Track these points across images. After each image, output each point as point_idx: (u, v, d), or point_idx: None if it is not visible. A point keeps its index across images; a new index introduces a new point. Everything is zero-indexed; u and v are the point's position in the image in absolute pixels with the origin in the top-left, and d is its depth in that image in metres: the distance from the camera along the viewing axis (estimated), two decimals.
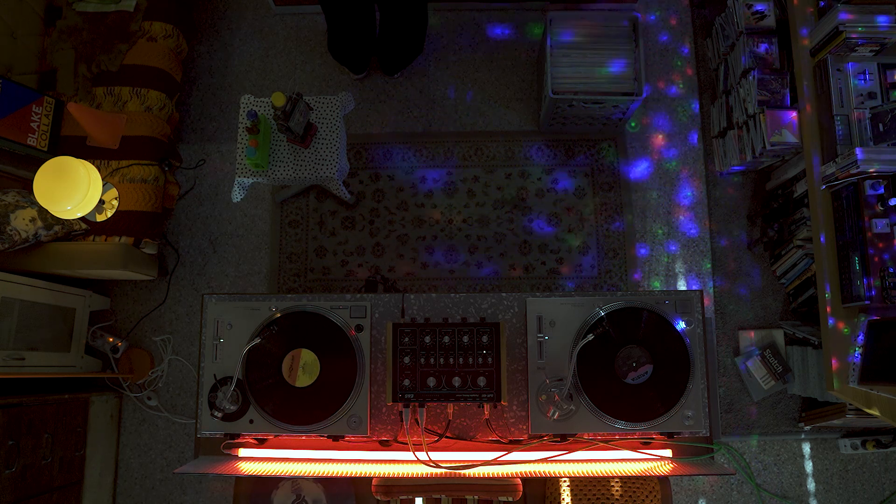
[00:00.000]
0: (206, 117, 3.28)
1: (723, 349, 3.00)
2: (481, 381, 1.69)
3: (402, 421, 1.76)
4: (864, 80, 2.42)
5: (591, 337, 1.74)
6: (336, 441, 1.79)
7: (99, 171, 2.59)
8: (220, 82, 3.32)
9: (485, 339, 1.70)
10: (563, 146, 3.20)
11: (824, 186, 2.40)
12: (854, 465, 2.96)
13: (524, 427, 1.81)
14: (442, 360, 1.70)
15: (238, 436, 1.81)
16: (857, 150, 2.20)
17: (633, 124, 3.22)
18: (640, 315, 1.81)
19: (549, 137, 3.21)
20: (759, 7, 2.78)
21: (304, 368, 1.78)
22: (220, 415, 1.77)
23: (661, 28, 3.32)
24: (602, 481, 2.02)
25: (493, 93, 3.27)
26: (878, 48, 2.38)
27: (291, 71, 3.32)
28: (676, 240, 3.13)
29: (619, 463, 1.73)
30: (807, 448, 2.96)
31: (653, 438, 1.79)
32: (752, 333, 2.98)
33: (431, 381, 1.69)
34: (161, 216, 2.87)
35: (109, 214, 2.69)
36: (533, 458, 1.74)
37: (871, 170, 2.22)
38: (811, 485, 2.94)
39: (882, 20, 2.32)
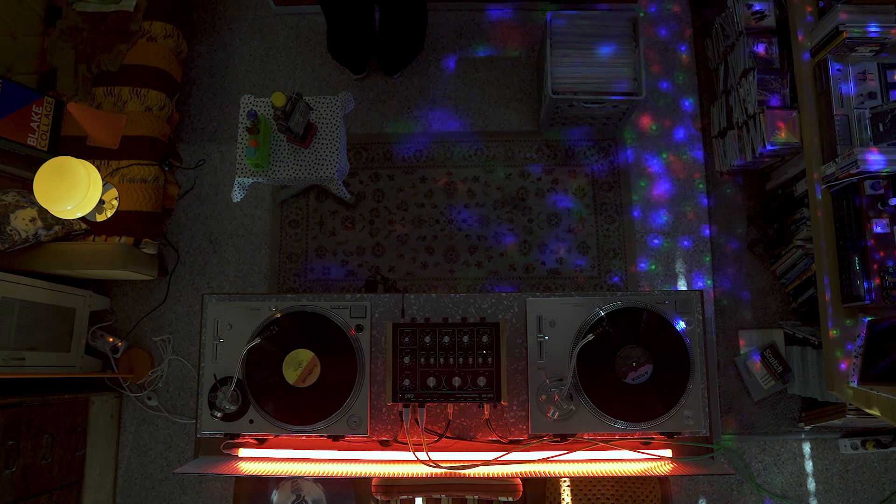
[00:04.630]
0: (206, 117, 3.28)
1: (723, 349, 3.00)
2: (481, 381, 1.69)
3: (402, 421, 1.76)
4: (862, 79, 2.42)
5: (591, 337, 1.74)
6: (336, 441, 1.79)
7: (99, 171, 2.59)
8: (220, 82, 3.32)
9: (485, 339, 1.70)
10: (563, 146, 3.20)
11: (824, 186, 2.40)
12: (854, 465, 2.96)
13: (524, 427, 1.81)
14: (442, 360, 1.70)
15: (238, 436, 1.81)
16: (857, 150, 2.20)
17: (636, 126, 3.23)
18: (640, 315, 1.81)
19: (550, 137, 3.21)
20: (759, 7, 2.78)
21: (303, 368, 1.78)
22: (220, 415, 1.77)
23: (661, 28, 3.32)
24: (602, 481, 2.02)
25: (493, 93, 3.27)
26: (878, 48, 2.38)
27: (291, 71, 3.32)
28: (676, 240, 3.13)
29: (619, 463, 1.73)
30: (807, 448, 2.96)
31: (653, 438, 1.79)
32: (752, 333, 2.98)
33: (431, 381, 1.69)
34: (161, 216, 2.87)
35: (109, 214, 2.69)
36: (533, 458, 1.74)
37: (871, 169, 2.22)
38: (811, 485, 2.94)
39: (881, 21, 2.32)
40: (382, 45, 2.99)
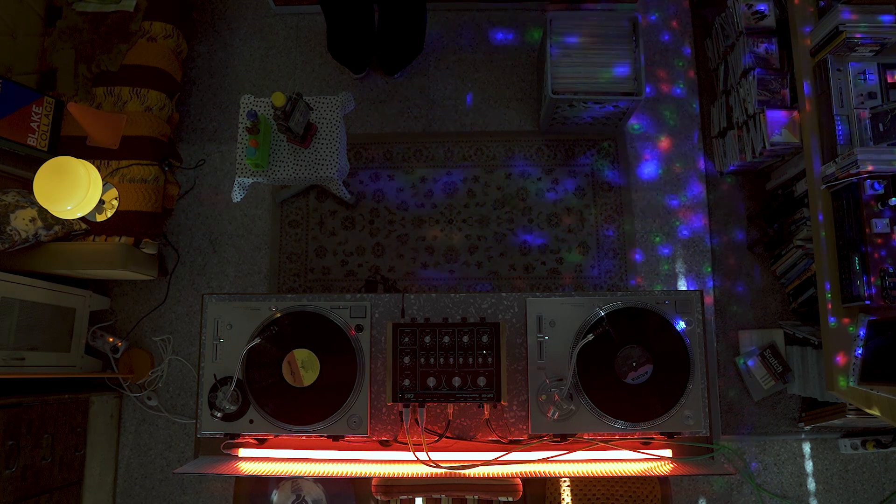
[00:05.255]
0: (206, 117, 3.28)
1: (723, 349, 3.00)
2: (481, 381, 1.69)
3: (402, 421, 1.76)
4: (864, 78, 2.42)
5: (591, 337, 1.74)
6: (336, 441, 1.79)
7: (99, 171, 2.59)
8: (220, 82, 3.32)
9: (485, 339, 1.70)
10: (563, 146, 3.20)
11: (824, 186, 2.40)
12: (854, 465, 2.95)
13: (524, 427, 1.81)
14: (442, 360, 1.70)
15: (238, 436, 1.81)
16: (857, 150, 2.20)
17: (636, 126, 3.22)
18: (640, 315, 1.81)
19: (549, 137, 3.21)
20: (759, 7, 2.78)
21: (304, 368, 1.78)
22: (220, 415, 1.77)
23: (661, 28, 3.32)
24: (602, 481, 2.02)
25: (493, 93, 3.27)
26: (878, 48, 2.38)
27: (291, 71, 3.32)
28: (676, 240, 3.13)
29: (619, 463, 1.73)
30: (807, 448, 2.96)
31: (653, 438, 1.79)
32: (752, 333, 2.98)
33: (431, 381, 1.69)
34: (161, 216, 2.87)
35: (109, 214, 2.69)
36: (533, 458, 1.74)
37: (871, 169, 2.22)
38: (811, 485, 2.94)
39: (884, 20, 2.32)
40: (382, 44, 2.99)
